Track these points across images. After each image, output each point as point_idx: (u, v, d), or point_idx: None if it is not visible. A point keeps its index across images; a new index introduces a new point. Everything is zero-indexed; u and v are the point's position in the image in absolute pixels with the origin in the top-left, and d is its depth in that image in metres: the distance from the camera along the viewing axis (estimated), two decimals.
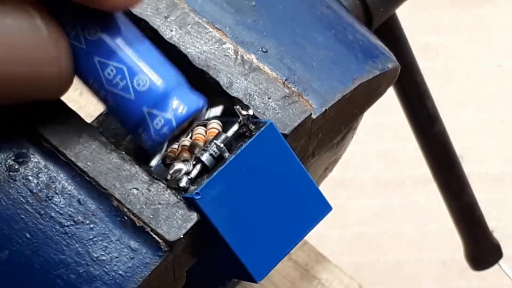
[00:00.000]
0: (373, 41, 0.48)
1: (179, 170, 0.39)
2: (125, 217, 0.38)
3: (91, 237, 0.37)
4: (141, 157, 0.42)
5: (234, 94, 0.41)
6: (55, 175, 0.38)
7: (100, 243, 0.37)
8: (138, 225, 0.38)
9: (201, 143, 0.40)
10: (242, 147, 0.39)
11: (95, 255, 0.37)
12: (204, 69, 0.42)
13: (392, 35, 0.60)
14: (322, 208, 0.41)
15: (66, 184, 0.38)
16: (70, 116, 0.39)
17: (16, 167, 0.38)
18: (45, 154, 0.39)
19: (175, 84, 0.38)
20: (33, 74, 0.35)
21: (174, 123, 0.37)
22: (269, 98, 0.41)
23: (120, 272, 0.37)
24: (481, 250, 0.82)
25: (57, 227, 0.37)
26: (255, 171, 0.39)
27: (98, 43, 0.38)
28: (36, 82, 0.36)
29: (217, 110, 0.39)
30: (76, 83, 0.40)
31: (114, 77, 0.38)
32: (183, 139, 0.41)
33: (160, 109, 0.37)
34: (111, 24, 0.38)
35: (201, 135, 0.41)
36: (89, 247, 0.37)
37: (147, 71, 0.37)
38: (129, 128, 0.38)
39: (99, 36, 0.38)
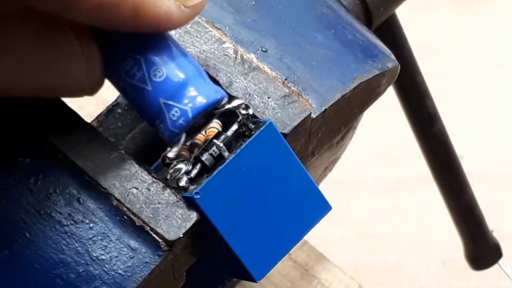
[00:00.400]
0: (373, 41, 0.48)
1: (179, 170, 0.39)
2: (125, 217, 0.38)
3: (90, 236, 0.37)
4: (141, 156, 0.42)
5: (234, 94, 0.41)
6: (55, 174, 0.38)
7: (99, 242, 0.37)
8: (137, 224, 0.38)
9: (200, 143, 0.40)
10: (242, 147, 0.39)
11: (94, 254, 0.37)
12: (203, 68, 0.42)
13: (392, 35, 0.60)
14: (321, 207, 0.41)
15: (65, 183, 0.38)
16: (70, 116, 0.40)
17: (16, 166, 0.38)
18: (45, 154, 0.39)
19: (192, 76, 0.38)
20: (66, 85, 0.37)
21: (190, 115, 0.37)
22: (268, 98, 0.41)
23: (120, 271, 0.37)
24: (481, 250, 0.82)
25: (57, 226, 0.37)
26: (255, 170, 0.39)
27: (116, 35, 0.38)
28: (67, 90, 0.37)
29: (238, 101, 0.39)
30: None
31: (131, 68, 0.38)
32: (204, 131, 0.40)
33: (176, 100, 0.37)
34: None
35: (201, 134, 0.41)
36: (89, 246, 0.37)
37: (164, 62, 0.37)
38: (147, 119, 0.39)
39: None
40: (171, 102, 0.37)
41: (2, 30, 0.35)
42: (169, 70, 0.37)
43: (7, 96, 0.37)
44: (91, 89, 0.38)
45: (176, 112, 0.37)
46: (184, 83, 0.37)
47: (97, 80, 0.38)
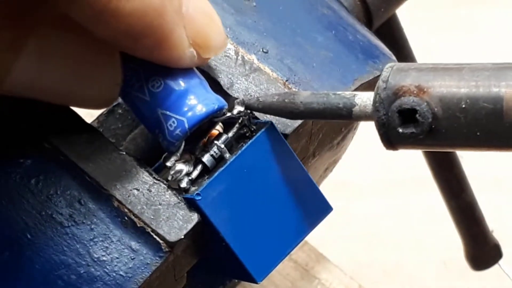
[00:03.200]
0: (373, 42, 0.48)
1: (180, 171, 0.39)
2: (126, 218, 0.38)
3: (91, 237, 0.37)
4: (142, 157, 0.42)
5: (235, 95, 0.41)
6: (56, 175, 0.38)
7: (100, 243, 0.37)
8: (138, 225, 0.38)
9: (201, 144, 0.40)
10: (243, 148, 0.39)
11: (95, 255, 0.37)
12: (204, 69, 0.42)
13: (393, 36, 0.60)
14: (322, 208, 0.41)
15: (66, 184, 0.38)
16: (70, 117, 0.40)
17: (17, 167, 0.38)
18: (46, 155, 0.39)
19: (190, 86, 0.38)
20: (93, 96, 0.39)
21: (186, 125, 0.38)
22: None
23: (121, 272, 0.37)
24: (481, 250, 0.82)
25: (58, 228, 0.37)
26: (256, 171, 0.39)
27: None
28: (91, 101, 0.39)
29: (238, 109, 0.40)
30: None
31: (131, 78, 0.38)
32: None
33: (173, 110, 0.38)
34: None
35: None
36: (90, 247, 0.37)
37: (162, 73, 0.38)
38: (147, 128, 0.39)
39: None
40: (168, 113, 0.38)
41: (47, 35, 0.36)
42: (167, 81, 0.38)
43: (35, 99, 0.38)
44: (109, 102, 0.39)
45: (174, 122, 0.38)
46: (182, 93, 0.38)
47: (117, 93, 0.38)
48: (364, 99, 0.35)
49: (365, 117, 0.35)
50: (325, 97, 0.36)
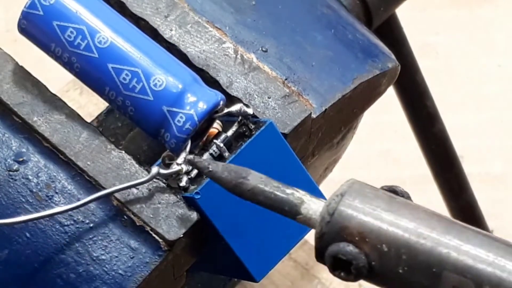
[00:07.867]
0: (373, 41, 0.48)
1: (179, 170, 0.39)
2: (125, 217, 0.38)
3: (91, 236, 0.37)
4: (141, 156, 0.42)
5: (234, 94, 0.41)
6: (55, 174, 0.38)
7: (100, 242, 0.37)
8: (138, 224, 0.38)
9: (201, 143, 0.40)
10: (242, 147, 0.39)
11: (95, 254, 0.37)
12: (204, 68, 0.42)
13: (392, 35, 0.60)
14: None
15: (66, 183, 0.38)
16: (70, 116, 0.40)
17: (16, 166, 0.38)
18: (45, 154, 0.39)
19: (191, 81, 0.38)
20: None
21: (196, 118, 0.38)
22: (269, 98, 0.42)
23: (120, 271, 0.37)
24: None
25: (57, 227, 0.37)
26: (255, 170, 0.39)
27: (109, 50, 0.38)
28: None
29: (237, 106, 0.40)
30: (77, 81, 0.40)
31: (130, 81, 0.38)
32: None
33: (179, 106, 0.38)
34: (120, 30, 0.39)
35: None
36: (89, 246, 0.37)
37: (162, 71, 0.38)
38: (151, 131, 0.39)
39: (110, 43, 0.38)
40: (174, 109, 0.38)
41: None
42: (167, 78, 0.38)
43: None
44: None
45: (182, 117, 0.38)
46: (183, 89, 0.38)
47: None
48: (310, 212, 0.34)
49: (309, 226, 0.34)
50: (273, 194, 0.34)
